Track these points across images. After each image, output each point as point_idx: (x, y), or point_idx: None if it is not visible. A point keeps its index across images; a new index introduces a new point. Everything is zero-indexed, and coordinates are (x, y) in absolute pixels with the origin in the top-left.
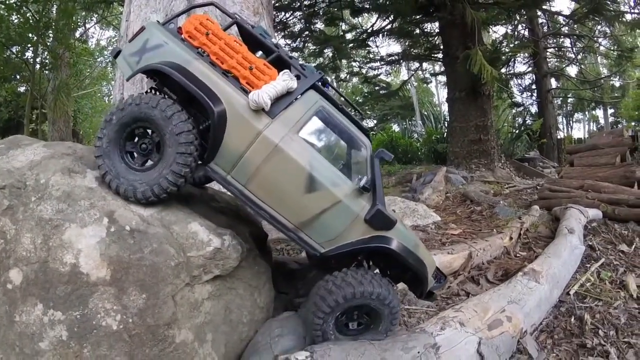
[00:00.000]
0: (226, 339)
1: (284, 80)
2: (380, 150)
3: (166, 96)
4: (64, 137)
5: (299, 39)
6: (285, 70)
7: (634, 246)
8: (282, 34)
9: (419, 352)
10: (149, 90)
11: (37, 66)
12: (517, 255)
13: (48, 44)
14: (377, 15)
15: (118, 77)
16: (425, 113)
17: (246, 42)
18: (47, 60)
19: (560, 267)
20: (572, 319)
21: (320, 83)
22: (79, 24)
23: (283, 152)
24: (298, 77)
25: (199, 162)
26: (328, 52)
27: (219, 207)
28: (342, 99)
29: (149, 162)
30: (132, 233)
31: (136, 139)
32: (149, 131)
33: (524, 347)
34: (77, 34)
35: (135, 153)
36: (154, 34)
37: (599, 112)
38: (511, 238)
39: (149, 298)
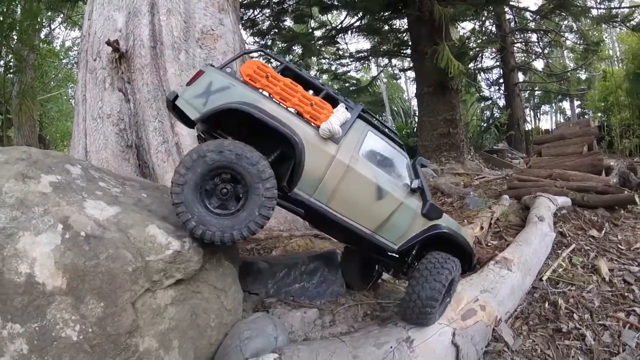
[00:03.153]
0: (194, 345)
1: (343, 112)
2: (419, 157)
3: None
4: (30, 143)
5: (267, 37)
6: (342, 104)
7: (604, 231)
8: (250, 31)
9: (391, 347)
10: (199, 135)
11: (1, 69)
12: (489, 244)
13: (12, 45)
14: (346, 13)
15: (80, 78)
16: (395, 108)
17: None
18: (11, 63)
19: (532, 254)
20: (547, 305)
21: (363, 112)
22: (43, 24)
23: (354, 170)
24: (347, 108)
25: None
26: (297, 49)
27: None
28: (378, 121)
29: (231, 206)
30: (88, 239)
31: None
32: (229, 176)
33: (499, 335)
34: (42, 35)
35: (214, 198)
36: (217, 77)
37: (566, 104)
38: (482, 227)
39: (107, 306)
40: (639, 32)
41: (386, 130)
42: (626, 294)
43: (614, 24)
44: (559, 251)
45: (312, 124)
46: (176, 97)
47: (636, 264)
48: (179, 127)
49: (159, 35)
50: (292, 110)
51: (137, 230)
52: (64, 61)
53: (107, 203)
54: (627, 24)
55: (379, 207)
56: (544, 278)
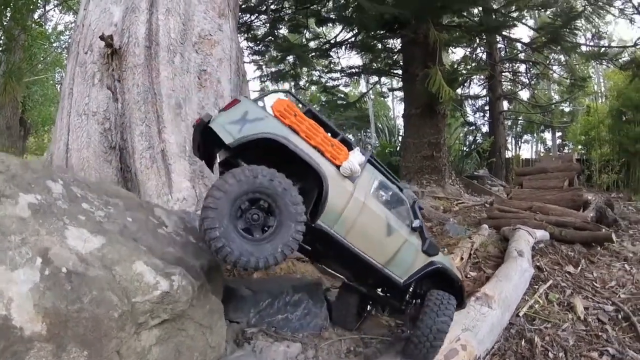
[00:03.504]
0: None
1: (359, 155)
2: (418, 200)
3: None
4: (11, 125)
5: (261, 44)
6: (357, 147)
7: (580, 267)
8: (245, 36)
9: None
10: (220, 161)
11: None
12: (468, 275)
13: (4, 23)
14: (341, 27)
15: (69, 70)
16: (380, 126)
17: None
18: (1, 41)
19: (511, 290)
20: (523, 342)
21: (371, 157)
22: (38, 5)
23: (369, 207)
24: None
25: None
26: (289, 58)
27: (168, 234)
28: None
29: (256, 232)
30: (69, 276)
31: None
32: (262, 201)
33: None
34: (36, 16)
35: (241, 221)
36: (252, 107)
37: (547, 135)
38: (462, 258)
39: (92, 356)
40: (626, 71)
41: (388, 175)
42: (600, 333)
43: (603, 61)
44: (536, 286)
45: (333, 162)
46: (209, 119)
47: (610, 302)
48: (166, 133)
49: (156, 35)
50: (315, 148)
51: (124, 268)
52: (54, 44)
53: (91, 232)
54: (615, 62)
55: (388, 242)
56: (521, 314)
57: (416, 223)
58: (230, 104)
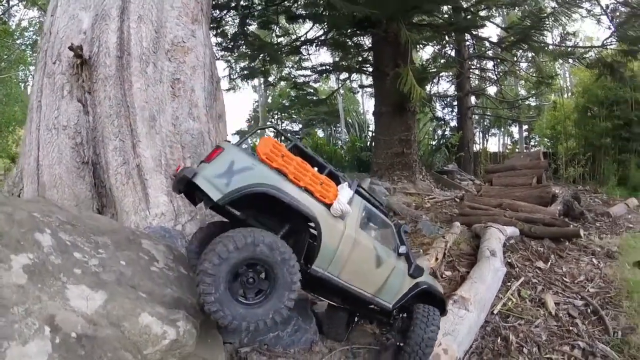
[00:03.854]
0: None
1: (348, 191)
2: (403, 225)
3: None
4: None
5: (232, 42)
6: (345, 182)
7: (549, 263)
8: (214, 32)
9: None
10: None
11: None
12: (444, 275)
13: None
14: (312, 24)
15: (37, 81)
16: (350, 121)
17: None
18: None
19: (486, 291)
20: (499, 340)
21: (358, 187)
22: (2, 1)
23: (360, 243)
24: (348, 184)
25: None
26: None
27: (160, 270)
28: (368, 194)
29: (249, 294)
30: (80, 340)
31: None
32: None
33: None
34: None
35: (235, 284)
36: (238, 156)
37: (514, 128)
38: (437, 259)
39: None
40: (592, 69)
41: (374, 201)
42: (570, 327)
43: (571, 59)
44: (509, 284)
45: (322, 201)
46: (194, 174)
47: (580, 297)
48: (141, 148)
49: (127, 44)
50: (304, 189)
51: (131, 322)
52: (18, 42)
53: (91, 287)
54: (582, 61)
55: (378, 273)
56: (496, 311)
57: (402, 249)
58: (213, 153)
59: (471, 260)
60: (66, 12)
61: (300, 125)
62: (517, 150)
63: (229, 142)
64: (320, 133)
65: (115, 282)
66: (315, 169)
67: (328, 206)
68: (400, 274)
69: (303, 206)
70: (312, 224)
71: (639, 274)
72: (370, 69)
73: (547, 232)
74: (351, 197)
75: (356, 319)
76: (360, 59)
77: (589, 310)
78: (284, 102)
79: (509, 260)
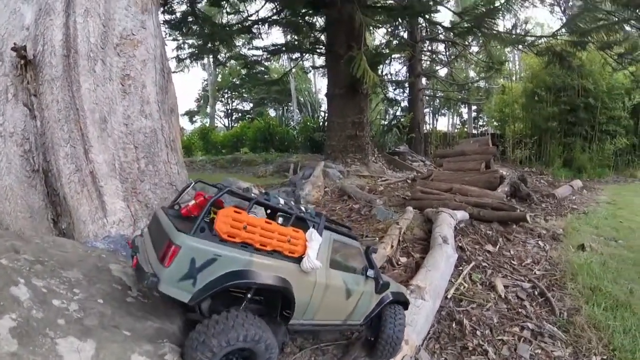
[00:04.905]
0: None
1: (317, 240)
2: (373, 248)
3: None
4: None
5: (180, 22)
6: (310, 230)
7: (498, 246)
8: (162, 9)
9: None
10: None
11: None
12: (399, 262)
13: None
14: (263, 2)
15: None
16: (302, 100)
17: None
18: None
19: (440, 278)
20: (453, 324)
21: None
22: None
23: (330, 285)
24: (314, 226)
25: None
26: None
27: (136, 300)
28: (334, 223)
29: None
30: None
31: None
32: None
33: None
34: None
35: None
36: (197, 250)
37: (464, 109)
38: (392, 246)
39: None
40: (542, 57)
41: (341, 228)
42: (519, 309)
43: (521, 47)
44: (461, 268)
45: (292, 257)
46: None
47: (527, 280)
48: (93, 153)
49: (74, 41)
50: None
51: None
52: None
53: (78, 337)
54: (532, 48)
55: (348, 303)
56: (449, 296)
57: (371, 273)
58: (170, 255)
59: (424, 245)
60: (7, 6)
61: (252, 105)
62: (465, 130)
63: (184, 233)
64: (272, 112)
65: (99, 326)
66: (280, 219)
67: (298, 259)
68: (369, 295)
69: (273, 280)
70: None
71: (583, 257)
72: (323, 50)
73: (495, 216)
74: (321, 243)
75: None
76: (312, 40)
77: (536, 293)
78: (234, 80)
79: (460, 244)
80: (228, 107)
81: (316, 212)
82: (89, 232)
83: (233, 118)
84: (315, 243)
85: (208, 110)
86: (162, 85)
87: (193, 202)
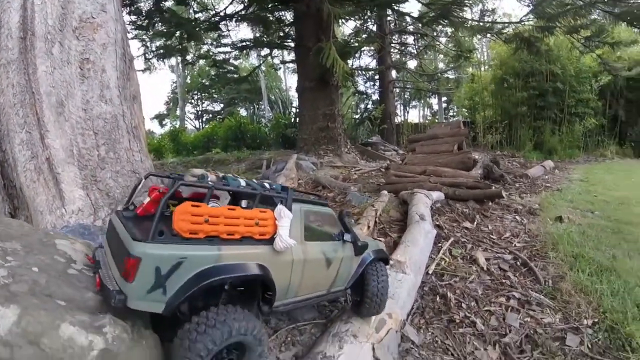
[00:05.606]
0: None
1: (287, 217)
2: (346, 212)
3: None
4: None
5: (146, 19)
6: (278, 207)
7: (475, 222)
8: (128, 9)
9: None
10: None
11: None
12: None
13: None
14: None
15: None
16: (273, 98)
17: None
18: None
19: (419, 253)
20: (437, 298)
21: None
22: None
23: (308, 260)
24: (282, 202)
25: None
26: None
27: (80, 272)
28: (303, 193)
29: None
30: None
31: None
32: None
33: (405, 335)
34: None
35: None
36: (161, 258)
37: (434, 100)
38: (369, 227)
39: None
40: (510, 44)
41: (311, 198)
42: (503, 280)
43: (489, 34)
44: (440, 245)
45: (264, 239)
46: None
47: (508, 252)
48: (49, 138)
49: (31, 23)
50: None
51: (51, 338)
52: None
53: (1, 303)
54: (500, 36)
55: (330, 272)
56: (430, 271)
57: (347, 237)
58: (132, 269)
59: (401, 226)
60: None
61: (222, 105)
62: (437, 120)
63: (141, 241)
64: (243, 112)
65: (28, 293)
66: (244, 202)
67: (271, 240)
68: (349, 259)
69: (248, 270)
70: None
71: (562, 228)
72: (292, 45)
73: (470, 195)
74: (291, 218)
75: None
76: (281, 34)
77: (518, 263)
78: (203, 81)
79: (437, 223)
80: (198, 109)
81: (282, 185)
82: (46, 223)
83: (204, 119)
84: (285, 220)
85: (178, 112)
86: (123, 70)
87: (148, 199)
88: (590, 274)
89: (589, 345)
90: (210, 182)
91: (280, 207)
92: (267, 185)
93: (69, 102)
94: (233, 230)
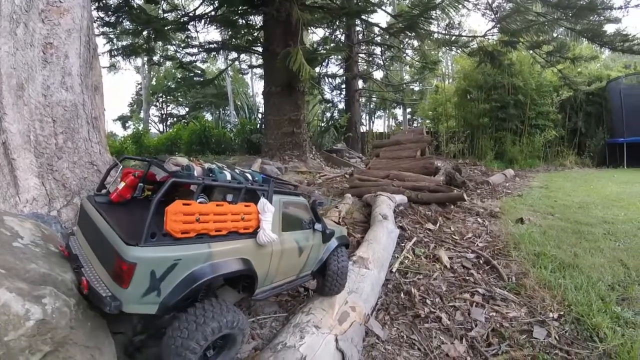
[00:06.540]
0: None
1: (269, 211)
2: (318, 202)
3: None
4: None
5: (114, 15)
6: (261, 201)
7: (438, 224)
8: (96, 5)
9: None
10: None
11: None
12: None
13: None
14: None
15: None
16: (240, 103)
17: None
18: None
19: (382, 250)
20: (402, 295)
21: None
22: None
23: (285, 250)
24: (264, 195)
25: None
26: (144, 32)
27: (25, 246)
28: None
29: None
30: None
31: None
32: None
33: (370, 330)
34: None
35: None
36: (156, 261)
37: (399, 111)
38: None
39: None
40: (474, 57)
41: (287, 188)
42: (467, 277)
43: (454, 47)
44: (403, 244)
45: (248, 232)
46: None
47: (470, 251)
48: (6, 121)
49: None
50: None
51: None
52: None
53: None
54: (465, 49)
55: (301, 259)
56: (394, 269)
57: (318, 226)
58: (126, 275)
59: (365, 227)
60: None
61: (187, 109)
62: (401, 129)
63: (135, 247)
64: (208, 116)
65: None
66: (229, 196)
67: (254, 233)
68: (317, 247)
69: (236, 265)
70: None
71: (523, 228)
72: (260, 49)
73: (433, 198)
74: (273, 212)
75: None
76: (250, 38)
77: (481, 262)
78: (169, 83)
79: (401, 225)
80: (163, 112)
81: (264, 176)
82: None
83: (168, 123)
84: (268, 214)
85: (142, 115)
86: (86, 58)
87: (123, 184)
88: (553, 270)
89: (557, 337)
90: (199, 178)
91: (263, 201)
92: (249, 176)
93: (29, 86)
94: (221, 227)
